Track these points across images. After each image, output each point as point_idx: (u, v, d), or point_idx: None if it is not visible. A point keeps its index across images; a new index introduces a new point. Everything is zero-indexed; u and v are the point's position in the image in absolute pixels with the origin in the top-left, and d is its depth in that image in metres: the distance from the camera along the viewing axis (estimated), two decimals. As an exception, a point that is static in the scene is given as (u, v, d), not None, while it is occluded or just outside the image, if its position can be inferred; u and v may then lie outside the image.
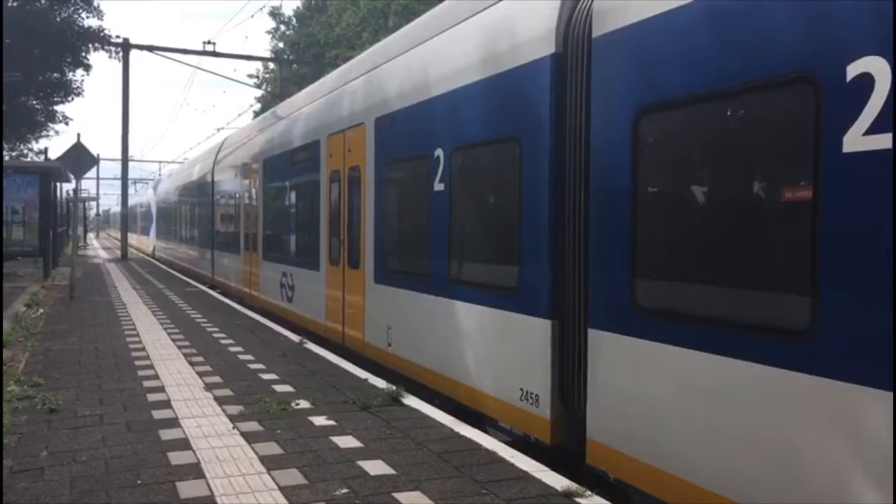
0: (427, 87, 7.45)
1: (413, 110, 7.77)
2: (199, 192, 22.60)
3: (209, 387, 7.50)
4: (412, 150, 7.81)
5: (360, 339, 9.12)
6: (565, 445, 5.43)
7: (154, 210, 37.08)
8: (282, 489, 4.66)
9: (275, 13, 50.30)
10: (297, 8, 48.81)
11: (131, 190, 51.69)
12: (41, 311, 13.57)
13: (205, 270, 21.44)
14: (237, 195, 16.88)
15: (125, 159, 32.01)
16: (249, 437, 5.75)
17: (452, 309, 6.87)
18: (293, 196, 12.65)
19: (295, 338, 10.65)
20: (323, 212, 10.63)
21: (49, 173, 21.09)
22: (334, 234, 10.17)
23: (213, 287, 19.28)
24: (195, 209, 23.63)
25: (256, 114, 39.86)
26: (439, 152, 7.11)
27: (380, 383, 7.65)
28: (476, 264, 6.85)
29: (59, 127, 35.11)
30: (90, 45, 28.77)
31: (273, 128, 14.51)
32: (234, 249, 16.85)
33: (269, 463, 5.15)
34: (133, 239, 48.57)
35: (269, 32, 51.53)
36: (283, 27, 50.71)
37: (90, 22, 28.90)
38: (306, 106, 12.32)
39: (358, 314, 9.23)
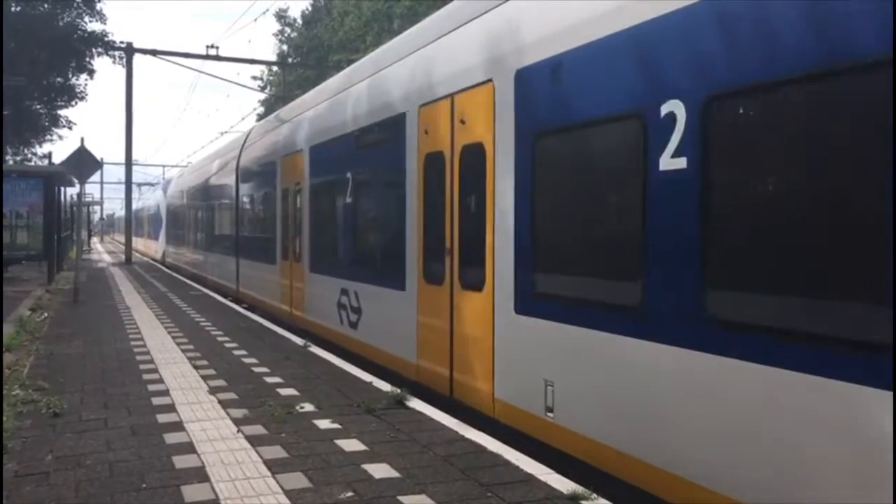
0: None
1: (615, 42, 4.99)
2: (219, 192, 20.14)
3: (213, 390, 7.49)
4: (610, 108, 5.03)
5: (486, 392, 6.42)
6: None
7: (163, 212, 34.61)
8: (286, 493, 4.64)
9: (281, 15, 50.42)
10: (306, 9, 48.86)
11: (137, 193, 51.66)
12: (45, 314, 13.58)
13: (227, 281, 18.54)
14: (271, 193, 14.16)
15: (129, 163, 32.07)
16: (254, 441, 5.74)
17: (709, 368, 4.21)
18: (358, 191, 9.73)
19: (299, 341, 10.64)
20: (412, 211, 7.88)
21: (53, 177, 21.13)
22: (433, 240, 7.41)
23: (237, 301, 16.72)
24: (214, 211, 21.03)
25: (260, 117, 39.91)
26: (674, 108, 4.45)
27: (384, 386, 7.64)
28: (756, 293, 4.05)
29: (63, 131, 35.15)
30: (94, 50, 28.86)
31: (325, 106, 11.53)
32: (268, 258, 14.20)
33: (274, 466, 5.14)
34: (139, 243, 46.78)
35: (275, 35, 51.67)
36: (288, 29, 50.80)
37: (93, 26, 29.02)
38: (378, 73, 9.39)
39: (481, 356, 6.53)
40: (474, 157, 6.66)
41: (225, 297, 17.61)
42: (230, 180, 18.36)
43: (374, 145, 9.03)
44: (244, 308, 15.21)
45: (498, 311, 6.23)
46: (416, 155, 7.80)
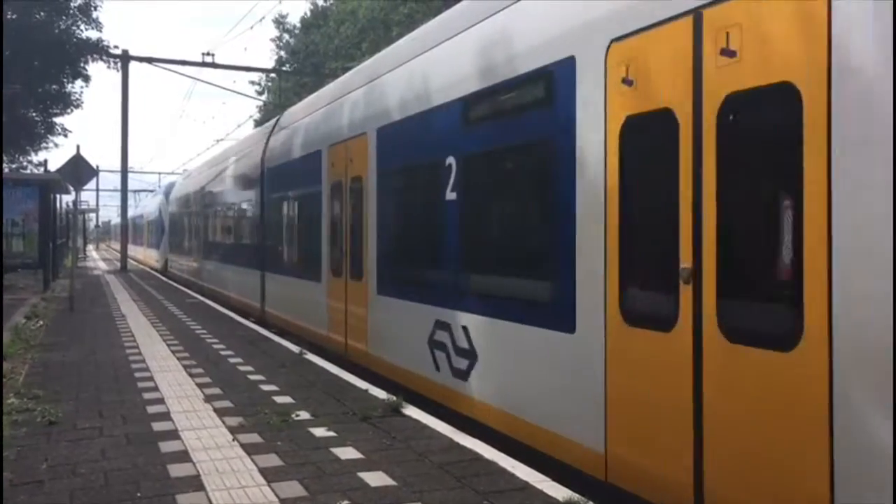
0: None
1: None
2: (237, 193, 17.18)
3: (209, 398, 7.48)
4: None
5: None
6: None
7: (166, 219, 32.01)
8: (282, 501, 4.64)
9: (280, 21, 50.53)
10: (305, 14, 48.93)
11: (133, 200, 51.54)
12: (41, 322, 13.54)
13: (248, 298, 15.44)
14: (312, 192, 11.17)
15: (124, 170, 32.07)
16: (249, 449, 5.73)
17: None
18: (473, 181, 6.79)
19: (295, 348, 10.63)
20: (596, 214, 5.09)
21: (48, 185, 21.11)
22: (662, 254, 4.52)
23: (262, 322, 13.95)
24: (230, 215, 18.12)
25: (257, 123, 39.92)
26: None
27: (380, 394, 7.63)
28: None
29: (59, 139, 35.10)
30: (89, 57, 28.87)
31: (401, 74, 8.54)
32: (308, 273, 11.36)
33: (270, 475, 5.13)
34: (138, 252, 45.05)
35: (273, 40, 51.76)
36: (286, 35, 50.88)
37: (89, 33, 29.04)
38: (491, 17, 6.73)
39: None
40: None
41: (245, 316, 14.70)
42: (252, 178, 15.32)
43: (506, 114, 6.27)
44: (274, 333, 12.41)
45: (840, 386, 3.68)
46: (613, 117, 4.93)
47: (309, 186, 11.35)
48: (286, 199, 13.04)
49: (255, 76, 51.70)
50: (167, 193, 32.98)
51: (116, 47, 29.82)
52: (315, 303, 11.01)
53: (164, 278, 27.85)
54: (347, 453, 5.64)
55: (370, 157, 8.95)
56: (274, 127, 15.03)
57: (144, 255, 42.19)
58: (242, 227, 16.63)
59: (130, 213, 47.06)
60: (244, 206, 16.43)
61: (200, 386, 8.08)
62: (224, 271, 18.52)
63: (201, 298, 19.12)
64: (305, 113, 12.77)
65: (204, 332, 12.57)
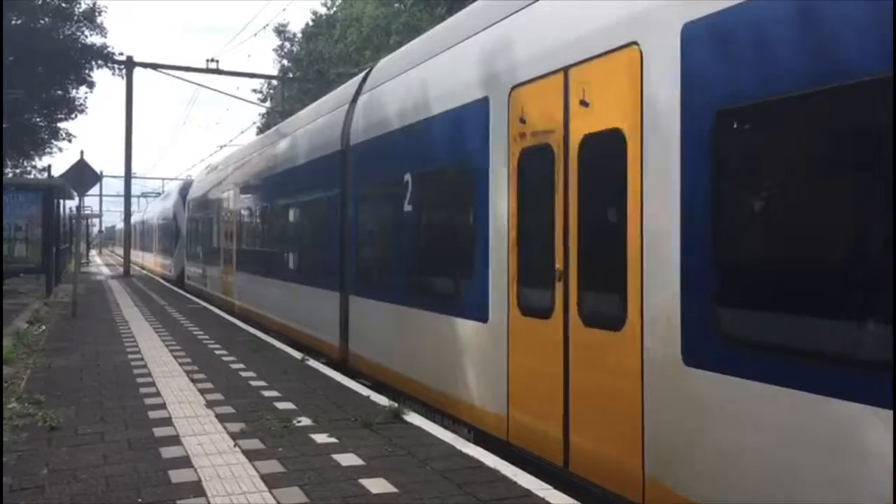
0: None
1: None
2: (298, 185, 12.69)
3: (210, 404, 7.48)
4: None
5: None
6: None
7: (182, 222, 28.30)
8: (283, 508, 4.63)
9: (280, 30, 50.65)
10: (308, 24, 49.08)
11: (137, 206, 51.33)
12: (43, 327, 13.56)
13: (319, 331, 11.19)
14: (459, 171, 7.18)
15: (128, 175, 32.11)
16: (251, 455, 5.72)
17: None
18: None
19: (297, 355, 10.62)
20: None
21: (52, 190, 21.17)
22: None
23: (340, 365, 9.99)
24: (285, 216, 13.78)
25: (260, 130, 40.02)
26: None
27: (382, 400, 7.62)
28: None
29: (63, 144, 35.27)
30: (93, 63, 28.99)
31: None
32: (447, 304, 7.33)
33: (271, 481, 5.12)
34: (147, 259, 41.66)
35: (275, 49, 51.91)
36: (288, 44, 51.02)
37: (93, 39, 29.18)
38: None
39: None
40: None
41: (315, 355, 10.69)
42: (326, 163, 11.07)
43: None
44: (367, 386, 8.65)
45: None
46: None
47: (453, 160, 7.32)
48: (393, 187, 8.46)
49: (258, 83, 52.00)
50: (183, 193, 29.14)
51: (121, 54, 29.98)
52: (469, 356, 6.89)
53: (179, 290, 23.99)
54: (348, 460, 5.63)
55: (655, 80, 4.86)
56: (362, 85, 10.34)
57: (154, 262, 38.44)
58: (306, 231, 12.44)
59: (138, 217, 46.83)
60: (309, 202, 12.16)
61: (202, 391, 8.07)
62: (271, 289, 14.07)
63: (204, 304, 19.07)
64: (434, 46, 8.30)
65: (206, 337, 12.57)
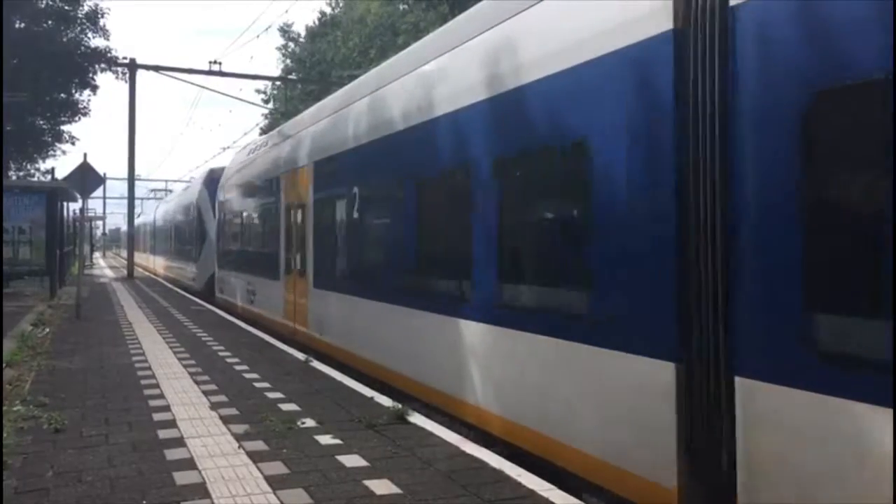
0: None
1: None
2: (435, 154, 7.52)
3: (214, 406, 7.49)
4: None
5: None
6: None
7: (211, 220, 22.45)
8: (287, 509, 4.63)
9: (285, 30, 50.72)
10: (314, 23, 49.12)
11: (140, 208, 51.33)
12: (47, 330, 13.58)
13: (451, 388, 6.96)
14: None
15: (131, 178, 32.17)
16: (255, 457, 5.73)
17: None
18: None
19: (300, 356, 10.63)
20: None
21: (55, 193, 21.21)
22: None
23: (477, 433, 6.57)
24: (430, 209, 7.91)
25: (263, 131, 40.02)
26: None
27: (385, 401, 7.62)
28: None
29: (66, 146, 35.28)
30: (97, 66, 29.04)
31: None
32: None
33: (275, 482, 5.13)
34: (159, 264, 36.68)
35: (279, 49, 51.96)
36: (291, 44, 51.08)
37: (97, 42, 29.23)
38: None
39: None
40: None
41: (436, 410, 7.34)
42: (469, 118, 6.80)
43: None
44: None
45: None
46: None
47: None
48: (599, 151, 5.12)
49: (261, 85, 52.06)
50: (210, 185, 23.18)
51: (125, 57, 30.02)
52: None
53: (215, 309, 18.33)
54: (353, 461, 5.64)
55: None
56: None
57: (168, 268, 32.67)
58: (442, 232, 7.62)
59: (147, 217, 46.43)
60: (448, 182, 7.29)
61: (206, 393, 8.08)
62: (390, 325, 8.58)
63: (208, 306, 19.04)
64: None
65: (210, 338, 12.59)
